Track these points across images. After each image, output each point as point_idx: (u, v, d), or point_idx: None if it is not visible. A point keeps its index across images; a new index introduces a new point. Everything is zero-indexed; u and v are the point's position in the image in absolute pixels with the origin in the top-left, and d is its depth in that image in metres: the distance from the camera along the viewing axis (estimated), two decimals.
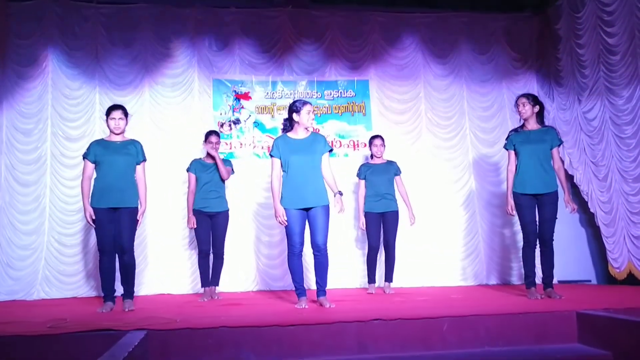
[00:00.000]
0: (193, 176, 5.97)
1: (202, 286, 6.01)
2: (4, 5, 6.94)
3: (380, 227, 6.21)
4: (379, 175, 6.21)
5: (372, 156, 6.40)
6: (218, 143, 6.01)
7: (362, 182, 6.27)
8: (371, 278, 6.24)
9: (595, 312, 3.39)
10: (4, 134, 6.84)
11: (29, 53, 7.01)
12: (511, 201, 5.09)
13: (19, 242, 6.69)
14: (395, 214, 6.20)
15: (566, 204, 5.10)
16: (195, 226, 5.89)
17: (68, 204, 6.83)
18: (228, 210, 6.03)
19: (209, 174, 5.94)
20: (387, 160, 6.38)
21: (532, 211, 5.02)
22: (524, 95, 5.17)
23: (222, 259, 6.01)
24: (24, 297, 6.50)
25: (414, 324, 3.30)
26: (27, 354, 2.95)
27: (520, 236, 7.47)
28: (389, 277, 6.24)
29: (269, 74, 7.57)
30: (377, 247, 6.22)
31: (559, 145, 5.10)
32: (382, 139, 6.34)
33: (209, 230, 5.94)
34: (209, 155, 5.96)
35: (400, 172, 6.33)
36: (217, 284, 6.03)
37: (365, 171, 6.28)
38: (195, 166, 6.00)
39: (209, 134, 6.03)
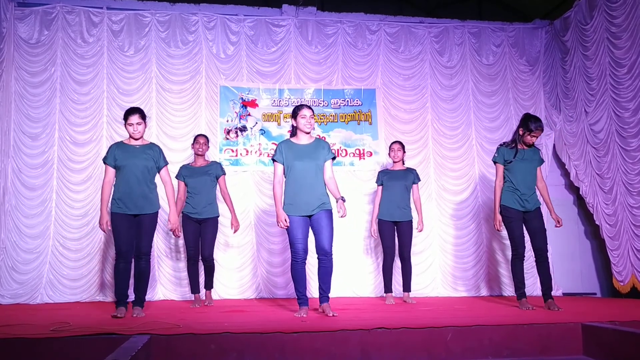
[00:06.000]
0: (182, 183, 5.89)
1: (191, 292, 5.99)
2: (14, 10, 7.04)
3: (395, 235, 6.11)
4: (395, 181, 6.08)
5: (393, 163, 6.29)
6: (205, 144, 5.99)
7: (380, 188, 6.14)
8: (388, 287, 6.06)
9: (600, 324, 3.36)
10: (11, 137, 6.88)
11: (38, 58, 7.07)
12: (499, 217, 5.07)
13: (24, 246, 6.72)
14: (409, 224, 6.09)
15: (556, 220, 5.09)
16: (181, 235, 5.83)
17: (74, 209, 6.85)
18: (218, 216, 5.94)
19: (197, 179, 5.83)
20: (407, 168, 6.28)
21: (521, 224, 5.03)
22: (542, 129, 5.04)
23: (213, 263, 5.94)
24: (28, 301, 6.51)
25: (418, 333, 3.28)
26: (30, 356, 2.94)
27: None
28: (407, 287, 6.13)
29: (276, 82, 7.61)
30: (393, 254, 6.09)
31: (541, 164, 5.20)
32: (401, 144, 6.24)
33: (197, 235, 5.85)
34: (196, 159, 5.98)
35: (419, 179, 6.21)
36: (212, 287, 5.99)
37: (383, 177, 6.15)
38: (183, 172, 5.91)
39: (196, 136, 6.08)
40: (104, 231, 4.58)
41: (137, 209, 4.53)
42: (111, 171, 4.59)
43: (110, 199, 4.59)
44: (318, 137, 4.93)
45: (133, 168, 4.53)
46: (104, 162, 4.63)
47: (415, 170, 6.29)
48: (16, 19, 7.06)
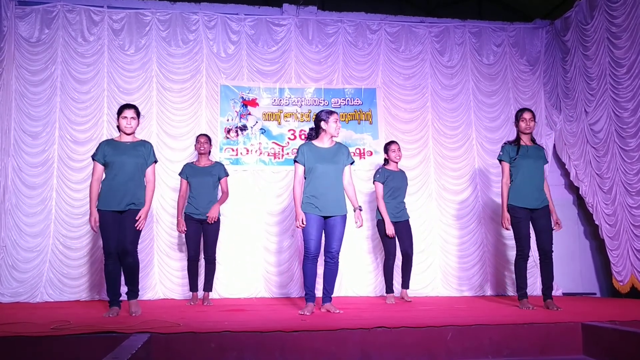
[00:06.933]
0: (184, 181, 5.93)
1: (190, 290, 6.02)
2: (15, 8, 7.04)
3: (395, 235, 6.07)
4: (400, 182, 6.11)
5: (385, 161, 6.24)
6: (207, 142, 6.00)
7: (382, 185, 6.04)
8: (389, 287, 6.04)
9: (600, 324, 3.37)
10: (12, 136, 6.87)
11: (39, 57, 7.07)
12: (507, 215, 5.02)
13: (25, 245, 6.71)
14: (408, 222, 6.14)
15: (555, 222, 5.06)
16: (185, 230, 5.83)
17: (74, 207, 6.85)
18: (219, 216, 5.94)
19: (200, 178, 5.86)
20: (400, 169, 6.30)
21: (528, 224, 5.01)
22: (530, 110, 5.12)
23: (215, 264, 5.95)
24: (28, 300, 6.51)
25: (418, 332, 3.28)
26: (31, 355, 2.94)
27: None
28: (406, 284, 6.15)
29: (276, 81, 7.60)
30: (395, 254, 6.06)
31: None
32: (399, 145, 6.27)
33: (198, 235, 5.86)
34: (200, 158, 6.01)
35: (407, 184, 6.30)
36: (211, 290, 5.98)
37: (387, 176, 6.08)
38: (186, 171, 5.95)
39: (198, 136, 6.12)
40: (93, 229, 4.50)
41: (123, 204, 4.46)
42: (99, 168, 4.53)
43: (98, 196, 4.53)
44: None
45: (123, 165, 4.48)
46: (93, 159, 4.57)
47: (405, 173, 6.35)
48: (17, 17, 7.06)
